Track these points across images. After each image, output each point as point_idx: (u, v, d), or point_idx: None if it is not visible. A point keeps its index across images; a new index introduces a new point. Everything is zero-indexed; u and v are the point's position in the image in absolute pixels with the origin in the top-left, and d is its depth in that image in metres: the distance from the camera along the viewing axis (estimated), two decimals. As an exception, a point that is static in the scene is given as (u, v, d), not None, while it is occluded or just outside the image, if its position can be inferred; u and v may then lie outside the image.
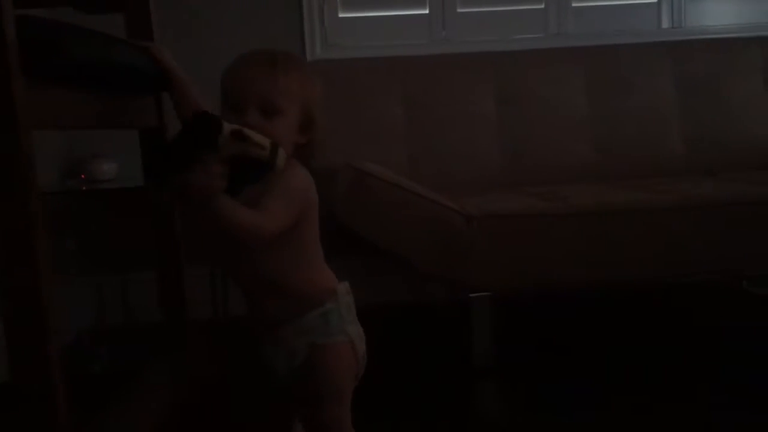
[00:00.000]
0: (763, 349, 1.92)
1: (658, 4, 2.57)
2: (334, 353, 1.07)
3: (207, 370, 1.46)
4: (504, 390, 1.73)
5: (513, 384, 1.75)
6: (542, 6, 2.54)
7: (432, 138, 2.24)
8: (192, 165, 0.90)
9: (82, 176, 2.19)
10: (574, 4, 2.54)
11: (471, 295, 1.75)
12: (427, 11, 2.51)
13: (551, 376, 1.76)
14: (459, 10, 2.51)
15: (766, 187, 1.89)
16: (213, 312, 2.26)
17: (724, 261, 1.85)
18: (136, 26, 1.36)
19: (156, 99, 1.36)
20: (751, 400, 1.55)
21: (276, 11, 2.44)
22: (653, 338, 2.03)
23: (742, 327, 2.13)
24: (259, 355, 1.12)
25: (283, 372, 1.10)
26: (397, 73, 2.27)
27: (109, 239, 2.33)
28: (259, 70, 1.04)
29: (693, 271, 2.09)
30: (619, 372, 1.76)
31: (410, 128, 2.25)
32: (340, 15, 2.47)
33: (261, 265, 1.05)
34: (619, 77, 2.34)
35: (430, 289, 2.18)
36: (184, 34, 2.37)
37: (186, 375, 1.36)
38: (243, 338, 1.16)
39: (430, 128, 2.24)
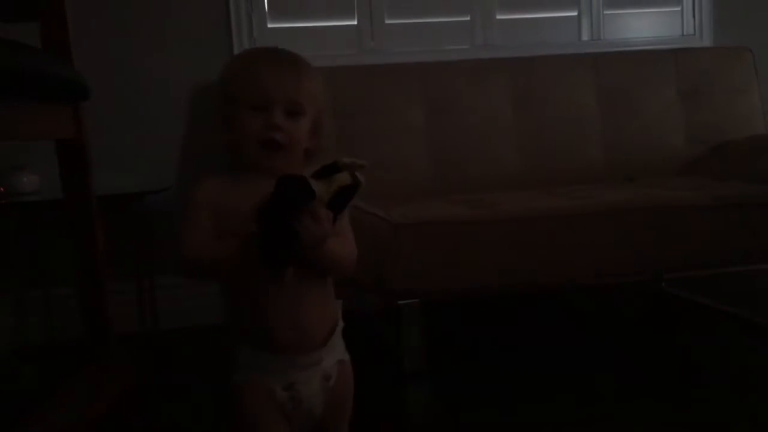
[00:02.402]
0: (680, 346, 2.00)
1: (579, 17, 2.67)
2: (351, 369, 1.04)
3: (128, 384, 1.43)
4: (433, 392, 1.75)
5: (442, 386, 1.77)
6: (468, 18, 2.60)
7: (361, 147, 2.25)
8: (298, 225, 0.88)
9: (1, 189, 2.12)
10: (498, 17, 2.61)
11: (400, 302, 1.77)
12: (355, 22, 2.53)
13: (479, 378, 1.79)
14: (387, 21, 2.55)
15: (681, 192, 1.97)
16: (140, 326, 2.21)
17: (644, 263, 1.91)
18: (51, 35, 1.32)
19: (73, 109, 1.32)
20: (667, 398, 1.62)
21: (204, 21, 2.42)
22: (577, 339, 2.09)
23: (661, 327, 2.22)
24: (277, 400, 0.98)
25: (315, 401, 0.99)
26: (325, 83, 2.28)
27: (32, 254, 2.25)
28: (286, 71, 1.01)
29: (614, 274, 2.16)
30: (545, 373, 1.81)
31: (339, 137, 2.25)
32: (269, 25, 2.47)
33: (315, 288, 1.00)
34: (542, 87, 2.40)
35: (360, 296, 2.19)
36: (104, 46, 2.33)
37: (105, 390, 1.33)
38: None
39: (359, 137, 2.25)
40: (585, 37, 2.67)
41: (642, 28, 2.71)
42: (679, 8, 2.73)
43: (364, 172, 0.93)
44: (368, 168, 0.95)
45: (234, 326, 1.01)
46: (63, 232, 1.46)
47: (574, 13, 2.66)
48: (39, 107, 1.16)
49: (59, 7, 1.30)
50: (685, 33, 2.74)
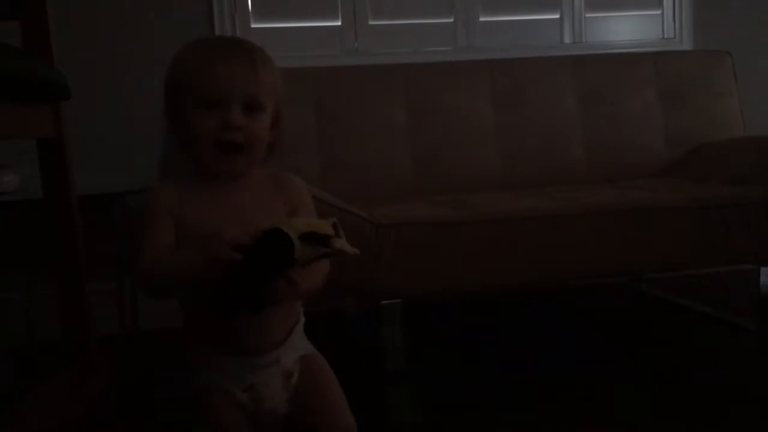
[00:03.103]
0: (658, 346, 2.02)
1: (560, 20, 2.69)
2: (320, 361, 1.01)
3: (105, 385, 1.42)
4: (415, 393, 1.76)
5: (424, 387, 1.78)
6: (451, 20, 2.61)
7: (343, 147, 2.26)
8: (268, 287, 0.86)
9: (-19, 189, 2.10)
10: (481, 19, 2.62)
11: (382, 302, 1.78)
12: (339, 23, 2.53)
13: (461, 379, 1.80)
14: (371, 22, 2.55)
15: (660, 194, 1.99)
16: (120, 327, 2.20)
17: (624, 264, 1.93)
18: (32, 34, 1.32)
19: (53, 108, 1.32)
20: (644, 394, 1.64)
21: (187, 20, 2.41)
22: (558, 340, 2.10)
23: (639, 327, 2.24)
24: (237, 401, 0.95)
25: (276, 399, 0.96)
26: (309, 83, 2.28)
27: (11, 254, 2.24)
28: (242, 65, 0.92)
29: (594, 274, 2.18)
30: (527, 373, 1.82)
31: (322, 138, 2.26)
32: (253, 26, 2.47)
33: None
34: (524, 89, 2.41)
35: (341, 297, 2.19)
36: (85, 45, 2.32)
37: (84, 390, 1.33)
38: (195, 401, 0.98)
39: (342, 138, 2.26)
40: (567, 39, 2.69)
41: (623, 31, 2.74)
42: (659, 12, 2.76)
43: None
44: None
45: (190, 329, 0.99)
46: (43, 231, 1.45)
47: (557, 16, 2.68)
48: (19, 106, 1.15)
49: (40, 7, 1.30)
50: (665, 36, 2.76)
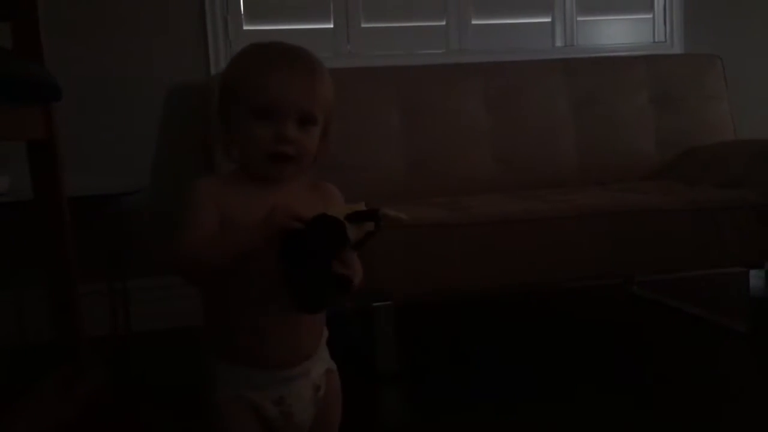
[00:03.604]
0: (650, 347, 2.03)
1: (552, 23, 2.70)
2: (338, 377, 0.99)
3: (98, 386, 1.42)
4: (406, 395, 1.76)
5: (416, 388, 1.78)
6: (444, 23, 2.61)
7: (336, 150, 2.24)
8: (330, 268, 0.82)
9: (-29, 190, 2.09)
10: (474, 22, 2.63)
11: (374, 303, 1.78)
12: (332, 25, 2.54)
13: (452, 381, 1.80)
14: (363, 25, 2.55)
15: (652, 196, 2.00)
16: (112, 328, 2.19)
17: (615, 266, 1.94)
18: (23, 36, 1.31)
19: (44, 109, 1.31)
20: (634, 396, 1.64)
21: (179, 22, 2.41)
22: (550, 341, 2.11)
23: (631, 328, 2.25)
24: (267, 415, 0.92)
25: (305, 413, 0.94)
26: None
27: (2, 255, 2.22)
28: (300, 78, 0.91)
29: (587, 276, 2.19)
30: (518, 375, 1.82)
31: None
32: (245, 28, 2.47)
33: None
34: (517, 92, 2.42)
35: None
36: (77, 46, 2.31)
37: (75, 392, 1.32)
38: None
39: (335, 140, 2.25)
40: (559, 42, 2.70)
41: (614, 35, 2.75)
42: (650, 15, 2.77)
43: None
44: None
45: (216, 343, 0.94)
46: (34, 233, 1.45)
47: (548, 20, 2.69)
48: (10, 108, 1.15)
49: (31, 8, 1.29)
50: (656, 40, 2.78)
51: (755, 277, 2.00)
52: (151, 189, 2.36)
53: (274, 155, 0.90)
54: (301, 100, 0.90)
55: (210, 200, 0.90)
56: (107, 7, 2.36)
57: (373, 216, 0.83)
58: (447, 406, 1.64)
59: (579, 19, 2.71)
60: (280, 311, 0.89)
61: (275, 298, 0.87)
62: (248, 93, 0.90)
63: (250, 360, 0.91)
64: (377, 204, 0.85)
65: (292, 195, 0.93)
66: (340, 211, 0.83)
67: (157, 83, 2.38)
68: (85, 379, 1.38)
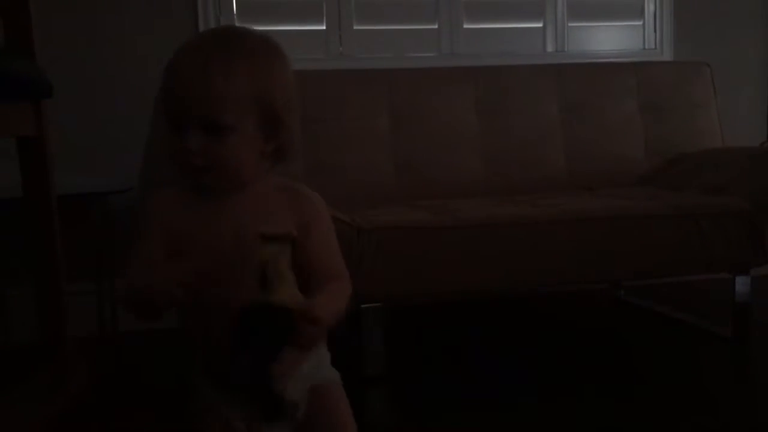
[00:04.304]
0: (631, 353, 2.04)
1: (543, 29, 2.71)
2: (338, 391, 0.92)
3: (83, 386, 1.41)
4: (393, 397, 1.76)
5: (403, 391, 1.78)
6: (436, 26, 2.62)
7: (326, 151, 2.26)
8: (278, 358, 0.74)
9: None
10: (465, 26, 2.64)
11: (362, 306, 1.78)
12: (324, 27, 2.54)
13: (440, 384, 1.81)
14: (355, 27, 2.56)
15: (639, 202, 2.01)
16: (99, 328, 2.18)
17: (602, 271, 1.95)
18: (14, 32, 1.31)
19: (34, 106, 1.31)
20: (620, 399, 1.66)
21: (171, 22, 2.40)
22: (536, 345, 2.12)
23: (617, 333, 2.26)
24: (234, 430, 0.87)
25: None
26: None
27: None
28: (192, 77, 0.79)
29: (573, 281, 2.21)
30: (506, 378, 1.83)
31: (305, 141, 2.26)
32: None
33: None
34: (507, 96, 2.43)
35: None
36: (68, 44, 2.30)
37: (59, 392, 1.32)
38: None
39: (325, 141, 2.26)
40: (549, 48, 2.72)
41: (605, 41, 2.77)
42: (641, 22, 2.79)
43: None
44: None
45: (191, 351, 0.91)
46: (20, 230, 1.44)
47: (540, 25, 2.70)
48: (-1, 104, 1.15)
49: (23, 4, 1.29)
50: (646, 47, 2.80)
51: (740, 284, 2.02)
52: (139, 190, 2.36)
53: (184, 168, 0.81)
54: (197, 107, 0.79)
55: (158, 220, 0.85)
56: (99, 5, 2.35)
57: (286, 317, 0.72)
58: (434, 409, 1.65)
59: (570, 24, 2.72)
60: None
61: (224, 320, 0.80)
62: (162, 100, 0.82)
63: (219, 377, 0.87)
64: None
65: (251, 204, 0.84)
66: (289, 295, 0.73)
67: (148, 82, 2.36)
68: (69, 380, 1.37)
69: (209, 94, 0.78)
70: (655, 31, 2.79)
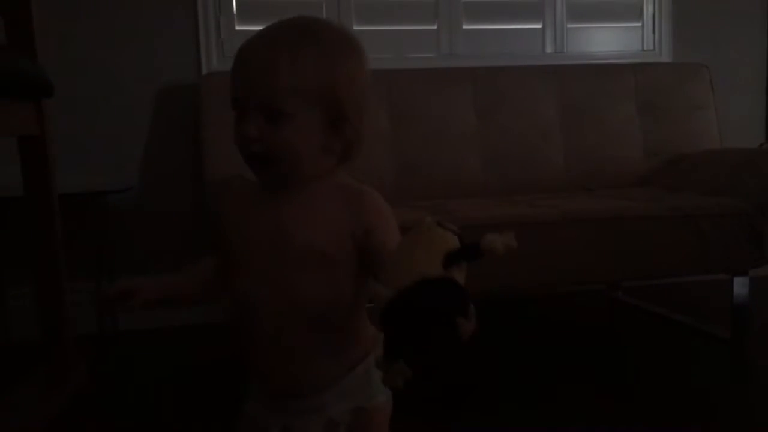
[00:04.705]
0: (630, 353, 2.05)
1: (543, 30, 2.72)
2: (380, 417, 0.87)
3: (82, 385, 1.42)
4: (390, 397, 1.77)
5: (399, 391, 1.78)
6: (435, 27, 2.63)
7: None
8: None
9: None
10: (464, 27, 2.65)
11: (361, 306, 1.78)
12: (323, 27, 2.54)
13: (436, 382, 1.81)
14: (354, 27, 2.56)
15: (637, 203, 2.01)
16: (99, 327, 2.18)
17: (600, 272, 1.95)
18: (16, 31, 1.31)
19: (36, 105, 1.31)
20: (618, 399, 1.66)
21: (171, 21, 2.41)
22: (534, 346, 2.12)
23: (616, 334, 2.27)
24: None
25: None
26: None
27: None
28: (257, 61, 0.78)
29: (572, 281, 2.21)
30: (502, 378, 1.83)
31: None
32: (237, 27, 2.47)
33: (314, 335, 0.81)
34: (506, 97, 2.44)
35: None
36: (69, 43, 2.30)
37: (58, 391, 1.32)
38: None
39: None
40: (549, 49, 2.72)
41: (604, 42, 2.78)
42: (639, 24, 2.80)
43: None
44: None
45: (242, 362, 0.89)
46: (20, 229, 1.44)
47: (539, 26, 2.71)
48: (1, 103, 1.15)
49: (24, 4, 1.29)
50: (645, 48, 2.81)
51: (739, 285, 2.02)
52: (140, 188, 2.36)
53: (245, 156, 0.79)
54: (258, 92, 0.77)
55: (221, 214, 0.86)
56: (101, 6, 2.35)
57: (475, 252, 0.67)
58: (431, 408, 1.65)
59: (569, 25, 2.73)
60: (271, 336, 0.81)
61: (260, 323, 0.81)
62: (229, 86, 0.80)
63: (258, 380, 0.87)
64: (467, 232, 0.68)
65: (304, 204, 0.81)
66: (434, 255, 0.64)
67: (149, 82, 2.38)
68: (69, 378, 1.37)
69: (271, 79, 0.76)
70: (653, 32, 2.80)
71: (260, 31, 0.82)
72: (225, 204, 0.87)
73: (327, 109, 0.79)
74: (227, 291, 0.86)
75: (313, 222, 0.79)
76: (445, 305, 0.63)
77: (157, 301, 0.85)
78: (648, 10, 2.79)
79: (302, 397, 0.83)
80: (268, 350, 0.82)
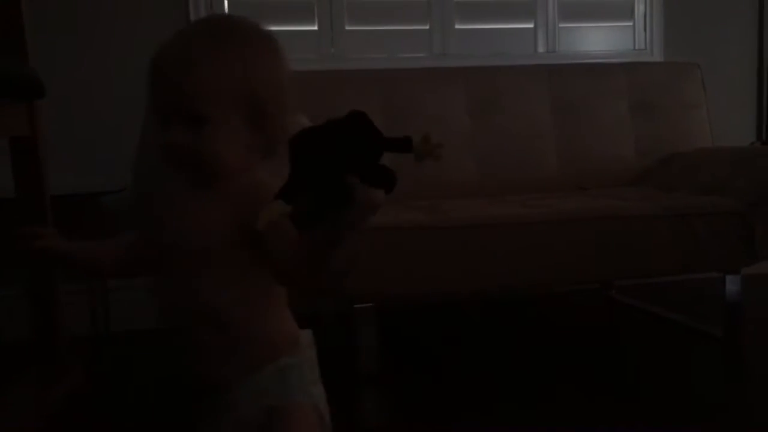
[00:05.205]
0: (624, 352, 2.06)
1: (535, 29, 2.72)
2: (298, 418, 0.81)
3: (75, 386, 1.41)
4: (387, 397, 1.77)
5: (396, 391, 1.79)
6: (427, 27, 2.63)
7: (319, 152, 2.26)
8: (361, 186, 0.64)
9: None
10: (457, 26, 2.65)
11: (355, 305, 1.78)
12: (316, 27, 2.54)
13: (433, 383, 1.81)
14: (347, 27, 2.56)
15: (631, 202, 2.02)
16: (92, 329, 2.18)
17: (594, 271, 1.95)
18: (7, 32, 1.30)
19: (28, 106, 1.30)
20: (612, 397, 1.67)
21: (164, 21, 2.39)
22: (529, 344, 2.13)
23: (609, 332, 2.27)
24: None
25: None
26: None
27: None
28: (172, 66, 0.75)
29: (565, 281, 2.22)
30: (499, 377, 1.84)
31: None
32: (229, 28, 2.46)
33: (212, 292, 0.79)
34: (499, 97, 2.44)
35: (314, 300, 2.19)
36: (60, 43, 2.29)
37: (51, 392, 1.31)
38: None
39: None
40: (541, 48, 2.73)
41: (596, 42, 2.78)
42: (631, 23, 2.81)
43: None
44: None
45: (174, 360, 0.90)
46: (12, 231, 1.43)
47: (531, 25, 2.71)
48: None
49: (15, 4, 1.28)
50: (636, 47, 2.82)
51: (731, 283, 2.03)
52: (131, 189, 2.35)
53: (171, 164, 0.78)
54: (175, 98, 0.75)
55: (147, 200, 0.88)
56: (92, 6, 2.34)
57: (406, 145, 0.64)
58: (428, 408, 1.65)
59: (561, 25, 2.73)
60: (178, 335, 0.83)
61: (168, 321, 0.82)
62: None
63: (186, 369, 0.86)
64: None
65: (222, 200, 0.80)
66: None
67: (140, 82, 2.36)
68: (63, 378, 1.37)
69: (188, 85, 0.74)
70: (645, 31, 2.81)
71: (174, 35, 0.80)
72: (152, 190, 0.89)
73: (247, 108, 0.78)
74: (139, 272, 0.89)
75: (211, 222, 0.79)
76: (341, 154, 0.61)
77: (67, 259, 0.92)
78: (639, 9, 2.80)
79: (211, 395, 0.83)
80: (180, 348, 0.84)
